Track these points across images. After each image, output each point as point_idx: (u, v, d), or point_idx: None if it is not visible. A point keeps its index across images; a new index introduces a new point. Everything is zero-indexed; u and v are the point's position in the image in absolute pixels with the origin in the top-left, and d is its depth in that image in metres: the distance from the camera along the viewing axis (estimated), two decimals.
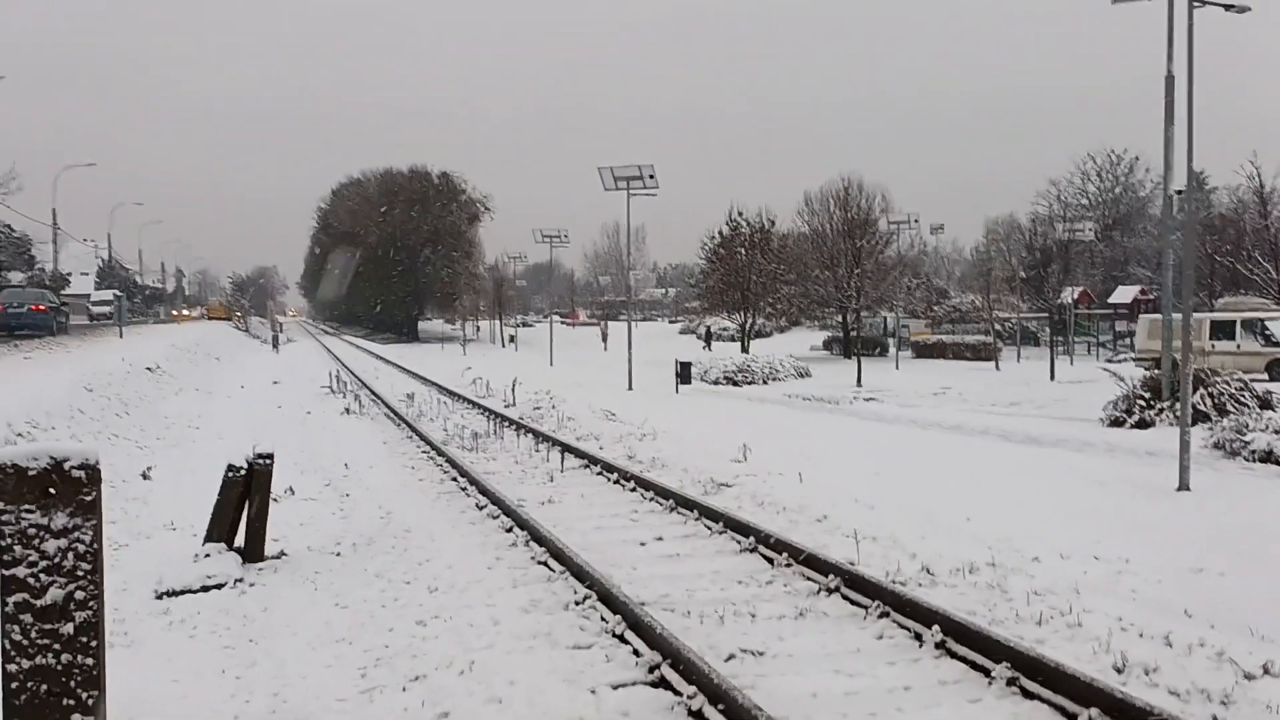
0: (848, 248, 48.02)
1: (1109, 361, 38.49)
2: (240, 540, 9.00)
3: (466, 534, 9.82)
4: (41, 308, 37.14)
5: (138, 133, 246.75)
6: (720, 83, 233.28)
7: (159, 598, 7.98)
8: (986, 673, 5.57)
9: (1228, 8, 13.01)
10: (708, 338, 61.52)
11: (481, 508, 10.92)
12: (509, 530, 9.72)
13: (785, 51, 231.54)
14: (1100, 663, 5.70)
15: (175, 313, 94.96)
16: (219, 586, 8.19)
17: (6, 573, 3.67)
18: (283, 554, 9.21)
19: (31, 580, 3.67)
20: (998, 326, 49.05)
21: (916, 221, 53.93)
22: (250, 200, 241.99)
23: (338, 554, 9.26)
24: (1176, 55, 12.93)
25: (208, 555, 8.63)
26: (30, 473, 3.67)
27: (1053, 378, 35.34)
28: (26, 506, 3.66)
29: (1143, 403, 19.52)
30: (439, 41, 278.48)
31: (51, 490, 3.68)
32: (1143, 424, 19.03)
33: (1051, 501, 11.53)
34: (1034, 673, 5.35)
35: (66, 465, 3.71)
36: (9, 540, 3.66)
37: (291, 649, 6.69)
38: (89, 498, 3.75)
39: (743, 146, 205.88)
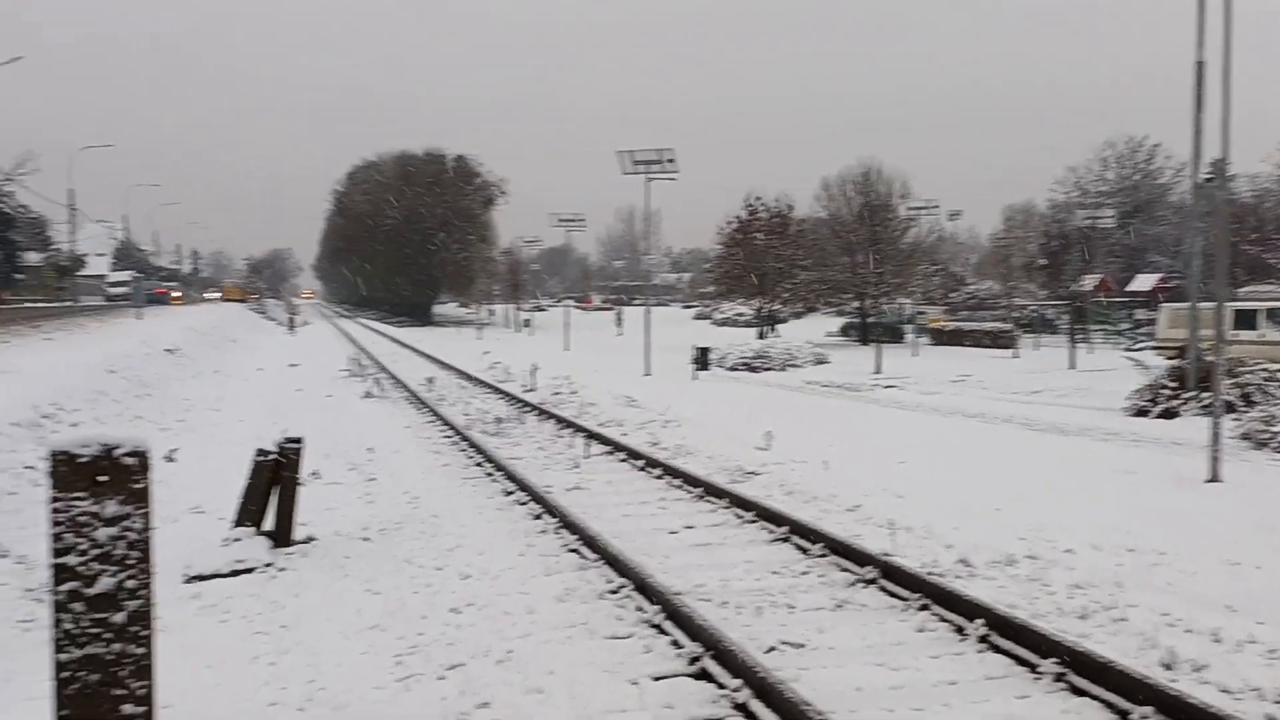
0: (866, 233, 47.61)
1: (1128, 350, 38.19)
2: (269, 524, 8.98)
3: (495, 520, 9.76)
4: None
5: (156, 115, 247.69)
6: (742, 71, 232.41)
7: (188, 582, 7.96)
8: (1033, 667, 5.49)
9: None
10: (768, 322, 54.31)
11: (509, 494, 10.87)
12: (538, 517, 9.66)
13: (811, 40, 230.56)
14: (1147, 658, 5.62)
15: (176, 296, 77.25)
16: (249, 571, 8.17)
17: (58, 561, 3.62)
18: (311, 539, 9.18)
19: (82, 569, 3.63)
20: (1015, 314, 48.69)
21: (936, 207, 53.54)
22: (267, 182, 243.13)
23: (366, 539, 9.22)
24: (1208, 40, 12.75)
25: (237, 539, 8.60)
26: (81, 460, 3.62)
27: (1072, 366, 35.07)
28: (77, 494, 3.61)
29: (1168, 392, 19.34)
30: (462, 29, 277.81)
31: (102, 478, 3.63)
32: (1168, 414, 18.85)
33: (1081, 492, 11.43)
34: (1082, 668, 5.27)
35: (117, 452, 3.65)
36: (60, 528, 3.62)
37: (324, 636, 6.66)
38: (139, 485, 3.70)
39: (762, 133, 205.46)
